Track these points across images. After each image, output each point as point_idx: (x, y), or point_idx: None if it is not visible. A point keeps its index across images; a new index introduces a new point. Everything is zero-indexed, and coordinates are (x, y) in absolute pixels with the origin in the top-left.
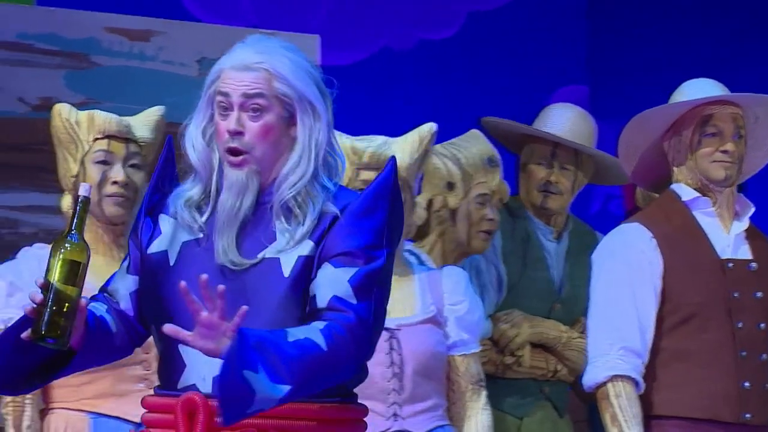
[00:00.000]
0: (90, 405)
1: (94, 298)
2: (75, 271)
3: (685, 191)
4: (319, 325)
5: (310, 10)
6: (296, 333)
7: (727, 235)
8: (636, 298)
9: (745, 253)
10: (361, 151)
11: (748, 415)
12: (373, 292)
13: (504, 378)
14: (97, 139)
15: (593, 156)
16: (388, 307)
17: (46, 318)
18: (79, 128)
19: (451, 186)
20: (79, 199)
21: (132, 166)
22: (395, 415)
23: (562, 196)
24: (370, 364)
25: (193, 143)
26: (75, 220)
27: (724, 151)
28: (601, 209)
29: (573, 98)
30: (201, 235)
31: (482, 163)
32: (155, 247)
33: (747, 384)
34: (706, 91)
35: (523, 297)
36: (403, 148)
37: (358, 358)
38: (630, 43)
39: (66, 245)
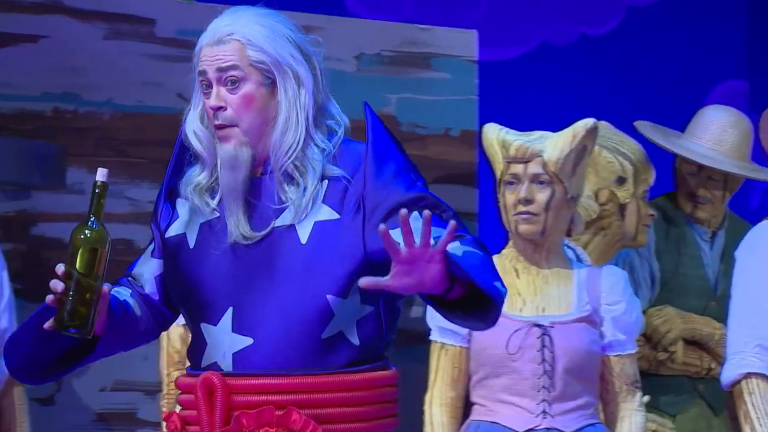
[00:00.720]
0: None
1: (117, 283)
2: (95, 259)
3: None
4: (455, 243)
5: (468, 5)
6: (454, 251)
7: None
8: None
9: None
10: (509, 143)
11: None
12: (443, 210)
13: (657, 375)
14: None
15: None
16: (543, 304)
17: (68, 307)
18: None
19: (622, 180)
20: (97, 185)
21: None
22: (544, 412)
23: (712, 205)
24: (521, 360)
25: (194, 129)
26: (93, 207)
27: None
28: (760, 203)
29: (732, 93)
30: (217, 215)
31: (645, 158)
32: (173, 230)
33: None
34: None
35: (677, 294)
36: (556, 143)
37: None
38: None
39: (86, 232)
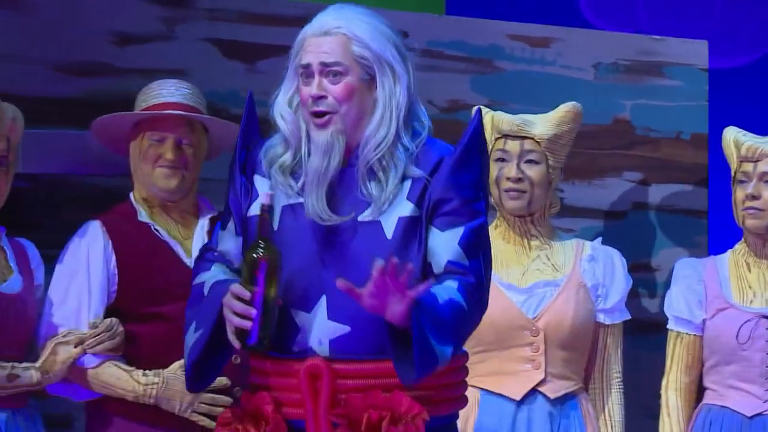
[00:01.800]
0: (479, 382)
1: (205, 259)
2: (273, 275)
3: None
4: (453, 284)
5: (701, 17)
6: (442, 293)
7: None
8: None
9: None
10: (741, 143)
11: None
12: (480, 247)
13: None
14: (497, 138)
15: None
16: None
17: (256, 327)
18: (486, 129)
19: None
20: (264, 208)
21: (528, 161)
22: None
23: None
24: (751, 349)
25: (281, 113)
26: (262, 228)
27: None
28: None
29: None
30: (300, 200)
31: None
32: (255, 209)
33: None
34: None
35: None
36: None
37: (482, 312)
38: None
39: (260, 251)
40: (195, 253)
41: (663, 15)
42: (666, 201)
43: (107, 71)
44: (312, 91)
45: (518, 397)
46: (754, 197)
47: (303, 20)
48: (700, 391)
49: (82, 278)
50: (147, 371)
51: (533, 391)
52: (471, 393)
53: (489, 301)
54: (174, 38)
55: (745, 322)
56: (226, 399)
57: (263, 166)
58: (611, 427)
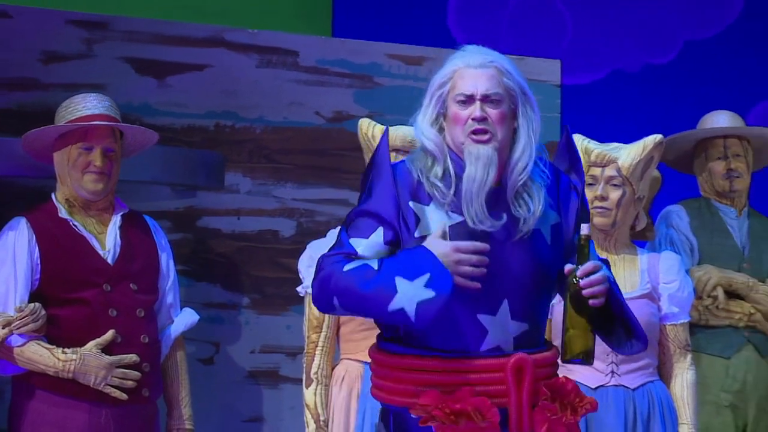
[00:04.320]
0: (364, 356)
1: (348, 254)
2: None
3: None
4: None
5: (554, 37)
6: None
7: None
8: None
9: None
10: (590, 150)
11: None
12: None
13: (709, 327)
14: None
15: (755, 138)
16: None
17: (580, 341)
18: (375, 141)
19: None
20: (581, 237)
21: None
22: (612, 372)
23: (742, 178)
24: None
25: (424, 132)
26: (580, 256)
27: None
28: None
29: None
30: (461, 219)
31: None
32: (422, 230)
33: None
34: None
35: (714, 260)
36: (629, 152)
37: None
38: None
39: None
40: (109, 245)
41: (523, 37)
42: None
43: (34, 86)
44: (476, 113)
45: None
46: (603, 198)
47: (209, 41)
48: None
49: (9, 268)
50: (66, 349)
51: None
52: (356, 366)
53: None
54: (93, 56)
55: None
56: (135, 374)
57: (413, 175)
58: None
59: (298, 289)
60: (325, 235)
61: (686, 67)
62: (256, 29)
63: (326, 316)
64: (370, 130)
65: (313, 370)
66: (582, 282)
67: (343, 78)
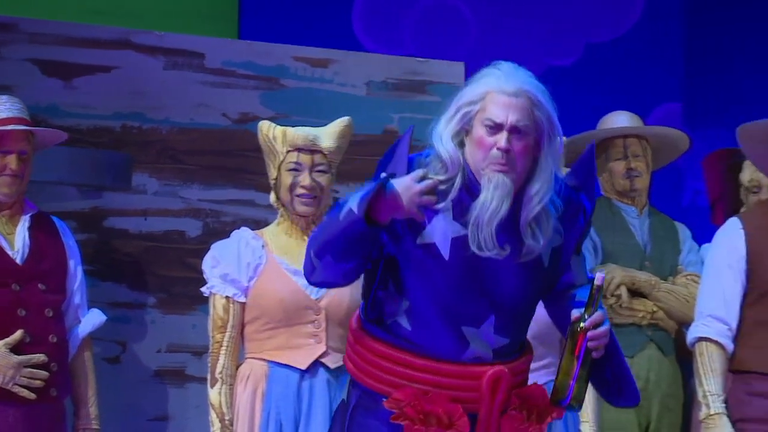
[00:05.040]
0: (269, 355)
1: None
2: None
3: None
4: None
5: (458, 40)
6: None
7: None
8: (722, 277)
9: None
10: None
11: None
12: None
13: (612, 325)
14: (289, 151)
15: (653, 137)
16: None
17: (572, 389)
18: (276, 142)
19: None
20: (594, 286)
21: (318, 171)
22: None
23: (642, 177)
24: None
25: (443, 143)
26: (592, 302)
27: None
28: (690, 203)
29: (668, 114)
30: (465, 233)
31: None
32: (425, 238)
33: None
34: None
35: (617, 259)
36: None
37: None
38: (719, 65)
39: (585, 324)
40: (18, 245)
41: (427, 39)
42: None
43: None
44: (501, 144)
45: (304, 367)
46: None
47: (116, 43)
48: None
49: None
50: None
51: (316, 362)
52: (260, 365)
53: (279, 284)
54: (0, 58)
55: None
56: (43, 373)
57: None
58: None
59: (203, 289)
60: (229, 236)
61: (588, 69)
62: (163, 31)
63: (230, 315)
64: (270, 131)
65: (218, 369)
66: (589, 334)
67: (249, 80)
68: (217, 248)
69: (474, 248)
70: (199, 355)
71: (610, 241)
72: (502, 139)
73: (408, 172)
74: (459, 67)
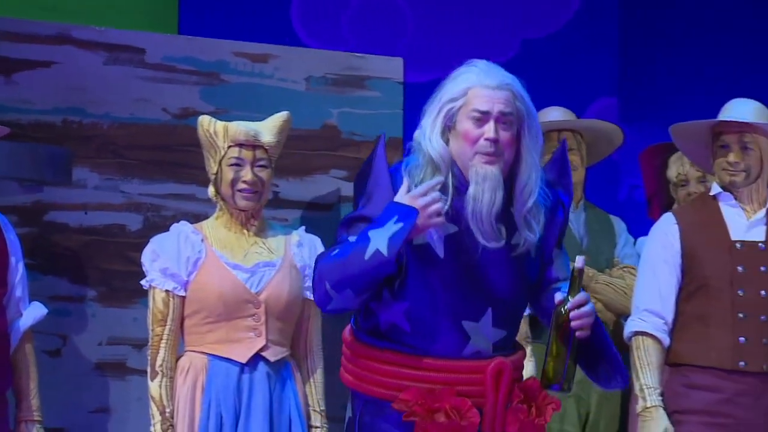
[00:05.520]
0: (209, 348)
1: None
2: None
3: (715, 187)
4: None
5: (397, 36)
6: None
7: (748, 221)
8: (658, 272)
9: (758, 235)
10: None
11: (742, 363)
12: None
13: None
14: (230, 146)
15: (587, 131)
16: None
17: (564, 374)
18: (217, 137)
19: None
20: (575, 270)
21: (260, 166)
22: None
23: (576, 170)
24: None
25: (432, 143)
26: (572, 287)
27: (729, 162)
28: (627, 197)
29: (605, 108)
30: (456, 229)
31: None
32: (418, 239)
33: (743, 339)
34: (732, 111)
35: None
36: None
37: None
38: (654, 61)
39: (568, 308)
40: None
41: (365, 35)
42: None
43: None
44: (490, 134)
45: (244, 360)
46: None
47: (56, 38)
48: None
49: None
50: None
51: (256, 356)
52: (200, 358)
53: (218, 278)
54: None
55: None
56: None
57: (410, 185)
58: (314, 387)
59: (142, 283)
60: (168, 229)
61: (524, 65)
62: (103, 27)
63: (170, 309)
64: (211, 126)
65: (158, 362)
66: (572, 314)
67: (189, 75)
68: (157, 242)
69: (481, 240)
70: (140, 348)
71: None
72: (490, 129)
73: (392, 185)
74: (397, 62)
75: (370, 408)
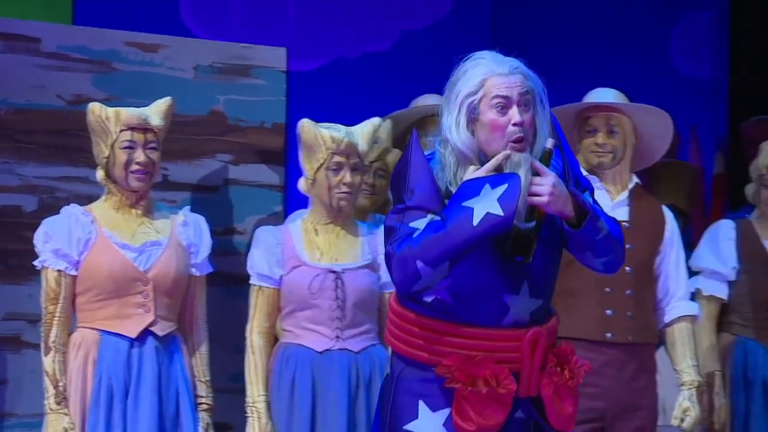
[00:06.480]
0: (100, 324)
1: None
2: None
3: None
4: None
5: (280, 26)
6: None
7: (612, 202)
8: None
9: (622, 215)
10: (339, 139)
11: (609, 335)
12: None
13: None
14: (122, 130)
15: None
16: (336, 255)
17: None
18: (109, 122)
19: None
20: (546, 150)
21: (151, 149)
22: (337, 337)
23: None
24: (321, 298)
25: (459, 137)
26: (542, 163)
27: (597, 144)
28: None
29: None
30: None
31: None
32: None
33: (610, 312)
34: (597, 97)
35: None
36: (364, 138)
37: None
38: (524, 52)
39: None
40: None
41: (251, 26)
42: (251, 178)
43: None
44: (516, 118)
45: (134, 335)
46: (351, 184)
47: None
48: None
49: None
50: None
51: (145, 331)
52: (92, 334)
53: (108, 257)
54: None
55: (315, 276)
56: None
57: (444, 179)
58: (199, 358)
59: (35, 263)
60: (59, 212)
61: (403, 55)
62: (0, 17)
63: (62, 288)
64: (103, 112)
65: (51, 338)
66: (532, 187)
67: (83, 63)
68: (48, 224)
69: (515, 221)
70: (35, 323)
71: None
72: (514, 113)
73: (434, 175)
74: (281, 51)
75: (410, 370)
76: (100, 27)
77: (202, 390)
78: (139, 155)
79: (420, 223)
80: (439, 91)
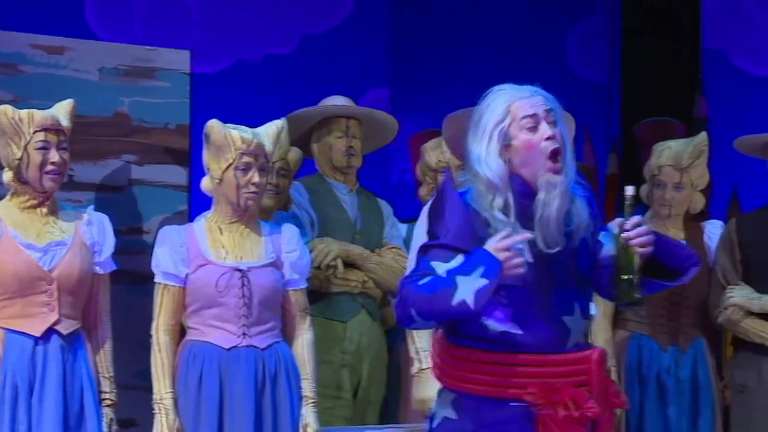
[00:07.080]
0: (5, 323)
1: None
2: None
3: None
4: None
5: (184, 29)
6: None
7: None
8: None
9: None
10: (249, 140)
11: None
12: None
13: (328, 293)
14: (36, 131)
15: (374, 122)
16: (241, 253)
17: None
18: (22, 123)
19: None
20: (626, 197)
21: (63, 149)
22: (244, 334)
23: (359, 156)
24: (228, 296)
25: (491, 166)
26: (626, 212)
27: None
28: (398, 180)
29: (377, 98)
30: (533, 233)
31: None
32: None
33: None
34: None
35: (331, 232)
36: (270, 138)
37: None
38: (422, 55)
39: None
40: None
41: (155, 28)
42: (156, 178)
43: None
44: (547, 132)
45: (38, 334)
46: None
47: None
48: (183, 331)
49: None
50: None
51: (50, 330)
52: None
53: (13, 256)
54: None
55: (222, 275)
56: None
57: (481, 213)
58: (103, 355)
59: None
60: None
61: (304, 57)
62: None
63: None
64: (15, 114)
65: None
66: (630, 233)
67: None
68: None
69: (542, 246)
70: None
71: (325, 215)
72: (544, 129)
73: (467, 210)
74: (185, 54)
75: (479, 405)
76: (5, 30)
77: (106, 386)
78: (54, 155)
79: (438, 265)
80: (341, 92)
